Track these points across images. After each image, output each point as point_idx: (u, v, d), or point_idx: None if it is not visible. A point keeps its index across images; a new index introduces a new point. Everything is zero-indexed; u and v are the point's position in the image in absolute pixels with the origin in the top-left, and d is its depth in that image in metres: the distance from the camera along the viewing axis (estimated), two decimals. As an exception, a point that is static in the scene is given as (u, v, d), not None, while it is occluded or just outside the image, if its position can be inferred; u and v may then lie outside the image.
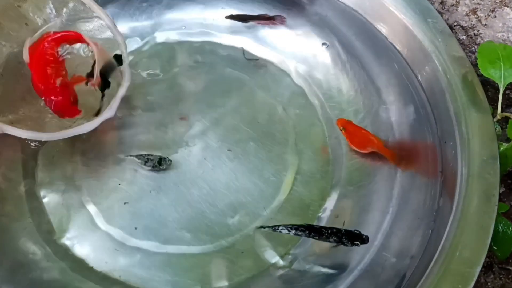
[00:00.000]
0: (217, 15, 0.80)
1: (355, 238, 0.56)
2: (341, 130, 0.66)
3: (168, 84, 0.74)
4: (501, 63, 0.61)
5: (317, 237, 0.57)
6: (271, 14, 0.78)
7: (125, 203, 0.63)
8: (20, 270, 0.57)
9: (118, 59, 0.67)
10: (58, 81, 0.64)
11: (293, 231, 0.57)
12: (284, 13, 0.78)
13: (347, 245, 0.56)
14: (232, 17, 0.78)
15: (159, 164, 0.64)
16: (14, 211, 0.61)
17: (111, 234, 0.61)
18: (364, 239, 0.56)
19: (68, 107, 0.65)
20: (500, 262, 0.62)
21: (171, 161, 0.65)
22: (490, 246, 0.54)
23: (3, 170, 0.64)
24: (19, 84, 0.66)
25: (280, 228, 0.58)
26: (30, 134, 0.58)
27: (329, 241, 0.57)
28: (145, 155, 0.65)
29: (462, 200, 0.54)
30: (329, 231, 0.57)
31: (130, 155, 0.65)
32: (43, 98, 0.64)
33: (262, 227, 0.59)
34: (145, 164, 0.64)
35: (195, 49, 0.78)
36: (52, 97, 0.64)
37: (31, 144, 0.66)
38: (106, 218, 0.62)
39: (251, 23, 0.78)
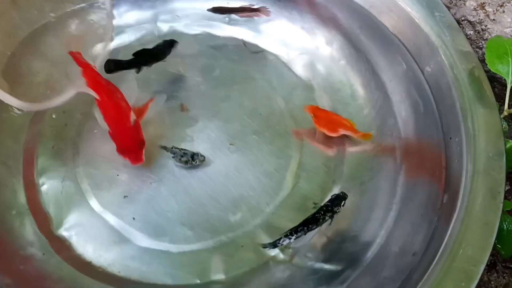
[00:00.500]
0: (222, 5, 0.78)
1: (340, 202, 0.59)
2: (312, 117, 0.65)
3: (169, 75, 0.74)
4: (509, 59, 0.60)
5: (315, 227, 0.58)
6: (257, 5, 0.77)
7: (124, 196, 0.62)
8: (17, 262, 0.56)
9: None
10: (132, 119, 0.61)
11: (294, 236, 0.57)
12: (288, 6, 0.77)
13: (338, 212, 0.58)
14: (214, 9, 0.76)
15: (192, 159, 0.63)
16: (12, 200, 0.61)
17: (110, 225, 0.60)
18: (343, 196, 0.59)
19: (135, 151, 0.61)
20: (504, 261, 0.61)
21: (204, 157, 0.64)
22: (494, 244, 0.53)
23: (3, 158, 0.63)
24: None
25: (281, 240, 0.57)
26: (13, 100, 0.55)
27: (326, 221, 0.58)
28: (180, 149, 0.64)
29: (466, 197, 0.52)
30: (322, 213, 0.58)
31: (164, 147, 0.65)
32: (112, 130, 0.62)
33: (264, 246, 0.58)
34: (179, 160, 0.63)
35: (197, 40, 0.77)
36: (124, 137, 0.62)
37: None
38: (106, 210, 0.61)
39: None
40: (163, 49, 0.71)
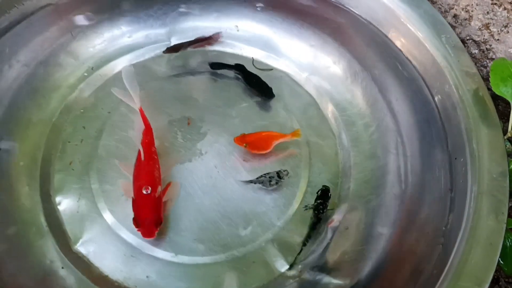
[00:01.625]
0: (231, 24, 0.81)
1: (328, 195, 0.65)
2: (244, 147, 0.67)
3: (182, 91, 0.76)
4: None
5: (319, 224, 0.64)
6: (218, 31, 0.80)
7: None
8: (39, 278, 0.58)
9: None
10: (158, 190, 0.62)
11: (311, 240, 0.63)
12: (297, 23, 0.79)
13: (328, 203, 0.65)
14: (168, 50, 0.78)
15: (281, 178, 0.66)
16: (31, 218, 0.63)
17: (126, 241, 0.62)
18: (327, 189, 0.65)
19: (150, 226, 0.60)
20: (506, 277, 0.63)
21: (287, 170, 0.67)
22: (498, 261, 0.55)
23: (21, 176, 0.65)
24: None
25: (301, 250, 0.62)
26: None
27: (326, 211, 0.64)
28: (263, 175, 0.66)
29: (471, 218, 0.54)
30: (322, 211, 0.64)
31: (250, 181, 0.67)
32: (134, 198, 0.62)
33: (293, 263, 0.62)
34: (270, 185, 0.66)
35: (209, 58, 0.79)
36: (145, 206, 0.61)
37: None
38: (122, 225, 0.63)
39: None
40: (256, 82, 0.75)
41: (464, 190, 0.57)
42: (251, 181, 0.66)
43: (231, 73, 0.77)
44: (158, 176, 0.64)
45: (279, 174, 0.66)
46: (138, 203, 0.61)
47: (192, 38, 0.79)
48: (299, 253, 0.62)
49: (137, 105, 0.69)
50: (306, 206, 0.66)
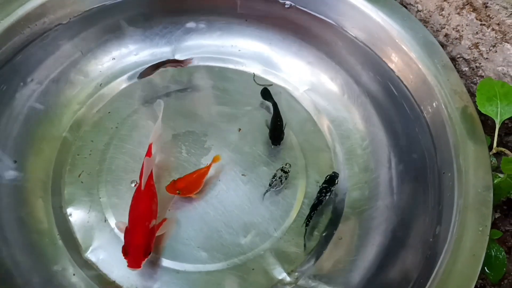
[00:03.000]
0: (233, 42, 0.85)
1: (334, 181, 0.70)
2: (178, 194, 0.67)
3: (186, 106, 0.80)
4: (498, 101, 0.65)
5: (321, 206, 0.68)
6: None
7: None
8: (53, 285, 0.62)
9: None
10: (153, 222, 0.63)
11: (311, 220, 0.68)
12: (296, 42, 0.83)
13: (333, 189, 0.70)
14: (142, 75, 0.80)
15: (286, 172, 0.71)
16: (44, 228, 0.67)
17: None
18: (336, 175, 0.70)
19: (138, 255, 0.60)
20: (492, 285, 0.66)
21: (288, 163, 0.72)
22: (484, 269, 0.59)
23: (35, 188, 0.69)
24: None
25: (306, 225, 0.68)
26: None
27: (327, 198, 0.69)
28: (273, 179, 0.70)
29: (457, 230, 0.57)
30: (324, 194, 0.69)
31: (269, 190, 0.71)
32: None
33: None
34: (281, 183, 0.70)
35: (212, 74, 0.83)
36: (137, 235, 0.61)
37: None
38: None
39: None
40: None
41: (451, 204, 0.60)
42: (267, 191, 0.70)
43: (233, 89, 0.82)
44: (155, 209, 0.65)
45: (283, 170, 0.70)
46: (130, 231, 0.62)
47: (166, 59, 0.83)
48: (305, 234, 0.67)
49: (151, 139, 0.71)
50: (317, 182, 0.72)
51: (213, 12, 0.85)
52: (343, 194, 0.72)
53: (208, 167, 0.70)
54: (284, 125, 0.75)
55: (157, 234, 0.64)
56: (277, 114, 0.76)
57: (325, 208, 0.71)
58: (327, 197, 0.69)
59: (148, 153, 0.70)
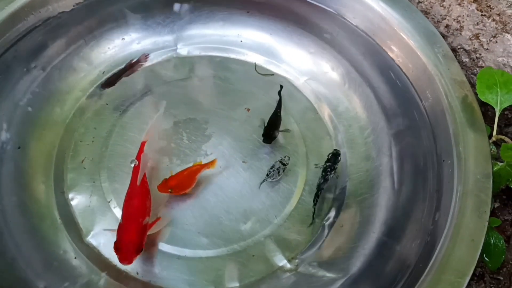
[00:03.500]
0: (235, 32, 0.86)
1: (337, 158, 0.71)
2: (170, 192, 0.67)
3: (187, 95, 0.80)
4: (498, 89, 0.66)
5: (326, 184, 0.70)
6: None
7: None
8: (54, 267, 0.62)
9: None
10: (146, 219, 0.63)
11: (318, 198, 0.69)
12: (297, 31, 0.83)
13: (337, 167, 0.71)
14: (104, 85, 0.79)
15: (285, 164, 0.71)
16: (46, 212, 0.67)
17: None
18: (338, 153, 0.72)
19: (130, 251, 0.59)
20: (491, 272, 0.67)
21: (287, 156, 0.72)
22: (482, 257, 0.59)
23: (37, 174, 0.70)
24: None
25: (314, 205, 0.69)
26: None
27: (332, 176, 0.70)
28: (271, 169, 0.71)
29: (456, 215, 0.58)
30: (329, 173, 0.70)
31: (266, 179, 0.71)
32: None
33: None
34: (279, 175, 0.71)
35: (214, 64, 0.84)
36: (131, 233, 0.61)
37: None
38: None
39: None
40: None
41: (450, 191, 0.61)
42: (264, 180, 0.71)
43: (234, 78, 0.82)
44: (149, 207, 0.64)
45: (282, 162, 0.71)
46: (123, 227, 0.61)
47: (124, 65, 0.82)
48: (313, 213, 0.68)
49: (144, 137, 0.71)
50: (316, 164, 0.72)
51: (215, 2, 0.85)
52: (344, 182, 0.72)
53: (201, 165, 0.70)
54: (279, 125, 0.75)
55: (150, 232, 0.64)
56: (277, 112, 0.75)
57: (327, 197, 0.71)
58: (331, 175, 0.70)
59: (141, 151, 0.69)
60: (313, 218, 0.68)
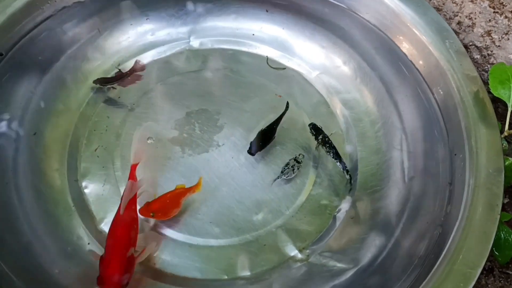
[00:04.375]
0: (248, 25, 0.86)
1: (318, 128, 0.74)
2: (152, 216, 0.64)
3: (200, 86, 0.81)
4: (511, 84, 0.66)
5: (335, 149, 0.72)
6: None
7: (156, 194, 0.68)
8: (67, 253, 0.63)
9: None
10: (131, 251, 0.59)
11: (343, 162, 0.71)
12: (309, 26, 0.84)
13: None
14: (96, 81, 0.77)
15: (299, 162, 0.72)
16: (60, 198, 0.68)
17: (145, 221, 0.67)
18: (313, 125, 0.74)
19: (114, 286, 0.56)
20: (500, 267, 0.67)
21: (301, 154, 0.73)
22: (492, 251, 0.59)
23: (51, 161, 0.70)
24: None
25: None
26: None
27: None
28: (286, 167, 0.71)
29: (468, 209, 0.58)
30: (325, 139, 0.72)
31: (280, 176, 0.71)
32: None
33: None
34: (293, 173, 0.71)
35: (226, 56, 0.84)
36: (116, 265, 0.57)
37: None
38: (141, 205, 0.66)
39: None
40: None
41: (462, 184, 0.61)
42: (278, 177, 0.71)
43: (246, 71, 0.83)
44: (135, 237, 0.61)
45: (297, 160, 0.71)
46: (106, 260, 0.58)
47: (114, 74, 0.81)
48: (350, 179, 0.70)
49: (134, 159, 0.68)
50: (317, 146, 0.73)
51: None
52: (355, 175, 0.72)
53: (186, 189, 0.67)
54: (272, 138, 0.74)
55: (139, 261, 0.61)
56: (273, 126, 0.74)
57: (338, 189, 0.72)
58: (330, 140, 0.72)
59: (132, 176, 0.66)
60: (351, 180, 0.71)
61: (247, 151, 0.72)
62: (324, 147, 0.72)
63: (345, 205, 0.70)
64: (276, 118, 0.74)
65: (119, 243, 0.59)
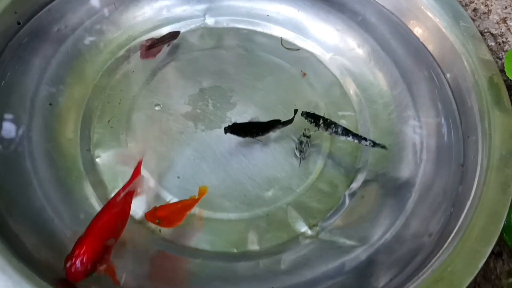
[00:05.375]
0: (263, 6, 0.86)
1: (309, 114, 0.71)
2: (157, 223, 0.62)
3: (214, 64, 0.81)
4: (527, 69, 0.66)
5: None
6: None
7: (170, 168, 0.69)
8: (80, 219, 0.63)
9: None
10: (111, 241, 0.58)
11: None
12: (324, 8, 0.84)
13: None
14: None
15: (308, 137, 0.72)
16: (72, 167, 0.68)
17: (156, 193, 0.68)
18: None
19: (83, 271, 0.54)
20: (510, 251, 0.67)
21: (308, 129, 0.72)
22: (502, 235, 0.60)
23: (65, 130, 0.70)
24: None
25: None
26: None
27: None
28: (298, 145, 0.72)
29: (480, 188, 0.59)
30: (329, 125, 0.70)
31: (299, 155, 0.72)
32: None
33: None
34: (309, 147, 0.72)
35: (240, 35, 0.84)
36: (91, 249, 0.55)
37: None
38: (153, 179, 0.68)
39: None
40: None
41: (475, 165, 0.62)
42: (301, 159, 0.72)
43: (260, 50, 0.83)
44: (120, 228, 0.59)
45: (305, 135, 0.72)
46: (82, 240, 0.55)
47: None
48: (374, 143, 0.69)
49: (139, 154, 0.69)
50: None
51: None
52: (367, 156, 0.72)
53: (195, 200, 0.65)
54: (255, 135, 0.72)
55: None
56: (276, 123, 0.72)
57: (348, 169, 0.72)
58: (333, 121, 0.71)
59: (137, 170, 0.66)
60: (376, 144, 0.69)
61: (225, 126, 0.70)
62: (329, 130, 0.70)
63: (355, 185, 0.70)
64: (275, 120, 0.72)
65: (102, 228, 0.57)
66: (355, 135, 0.69)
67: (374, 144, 0.69)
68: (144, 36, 0.81)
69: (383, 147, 0.69)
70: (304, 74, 0.80)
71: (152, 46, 0.80)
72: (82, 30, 0.78)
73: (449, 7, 0.74)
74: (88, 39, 0.78)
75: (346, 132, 0.70)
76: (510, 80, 0.67)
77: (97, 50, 0.78)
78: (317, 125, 0.70)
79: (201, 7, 0.85)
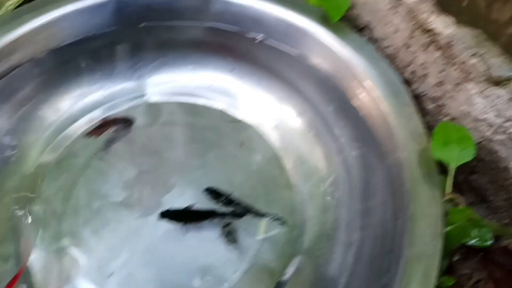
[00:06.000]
0: (204, 78, 0.87)
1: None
2: None
3: (152, 142, 0.81)
4: (453, 146, 0.65)
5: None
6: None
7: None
8: None
9: None
10: None
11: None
12: (264, 76, 0.84)
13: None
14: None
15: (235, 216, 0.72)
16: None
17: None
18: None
19: None
20: None
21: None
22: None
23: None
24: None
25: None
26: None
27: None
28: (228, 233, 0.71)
29: (405, 279, 0.58)
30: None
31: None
32: None
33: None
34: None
35: (182, 109, 0.84)
36: None
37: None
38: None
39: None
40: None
41: (400, 252, 0.61)
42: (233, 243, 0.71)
43: (202, 126, 0.83)
44: None
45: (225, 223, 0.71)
46: None
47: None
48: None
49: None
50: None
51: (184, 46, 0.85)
52: (303, 236, 0.72)
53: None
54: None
55: None
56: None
57: (280, 253, 0.71)
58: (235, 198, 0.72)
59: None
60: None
61: (162, 211, 0.71)
62: (229, 207, 0.72)
63: (290, 269, 0.69)
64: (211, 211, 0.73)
65: None
66: (254, 212, 0.71)
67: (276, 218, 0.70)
68: (82, 119, 0.81)
69: (284, 222, 0.70)
70: (242, 144, 0.79)
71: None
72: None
73: (384, 75, 0.74)
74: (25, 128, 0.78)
75: (246, 210, 0.71)
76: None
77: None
78: (218, 202, 0.72)
79: (140, 82, 0.85)
